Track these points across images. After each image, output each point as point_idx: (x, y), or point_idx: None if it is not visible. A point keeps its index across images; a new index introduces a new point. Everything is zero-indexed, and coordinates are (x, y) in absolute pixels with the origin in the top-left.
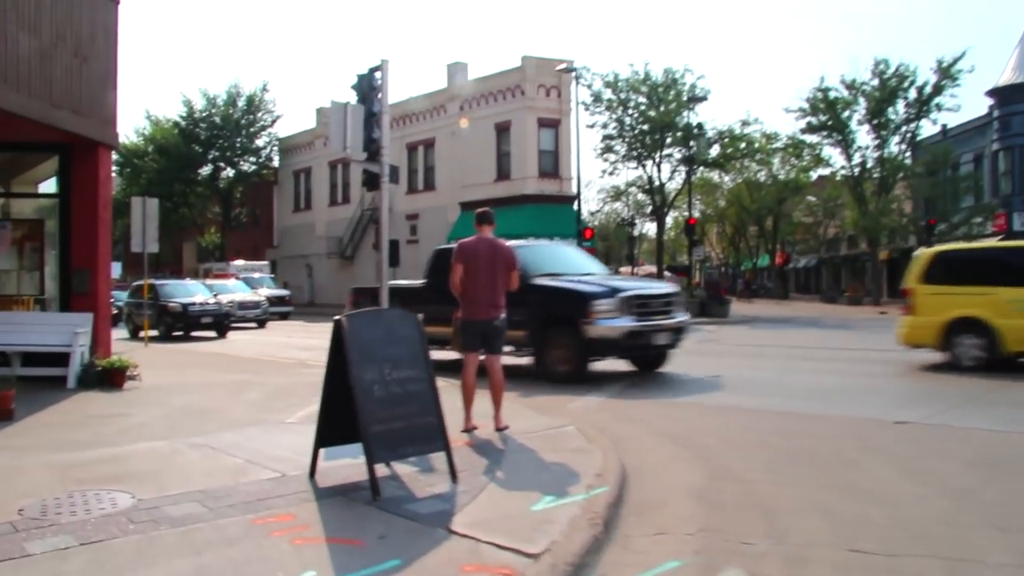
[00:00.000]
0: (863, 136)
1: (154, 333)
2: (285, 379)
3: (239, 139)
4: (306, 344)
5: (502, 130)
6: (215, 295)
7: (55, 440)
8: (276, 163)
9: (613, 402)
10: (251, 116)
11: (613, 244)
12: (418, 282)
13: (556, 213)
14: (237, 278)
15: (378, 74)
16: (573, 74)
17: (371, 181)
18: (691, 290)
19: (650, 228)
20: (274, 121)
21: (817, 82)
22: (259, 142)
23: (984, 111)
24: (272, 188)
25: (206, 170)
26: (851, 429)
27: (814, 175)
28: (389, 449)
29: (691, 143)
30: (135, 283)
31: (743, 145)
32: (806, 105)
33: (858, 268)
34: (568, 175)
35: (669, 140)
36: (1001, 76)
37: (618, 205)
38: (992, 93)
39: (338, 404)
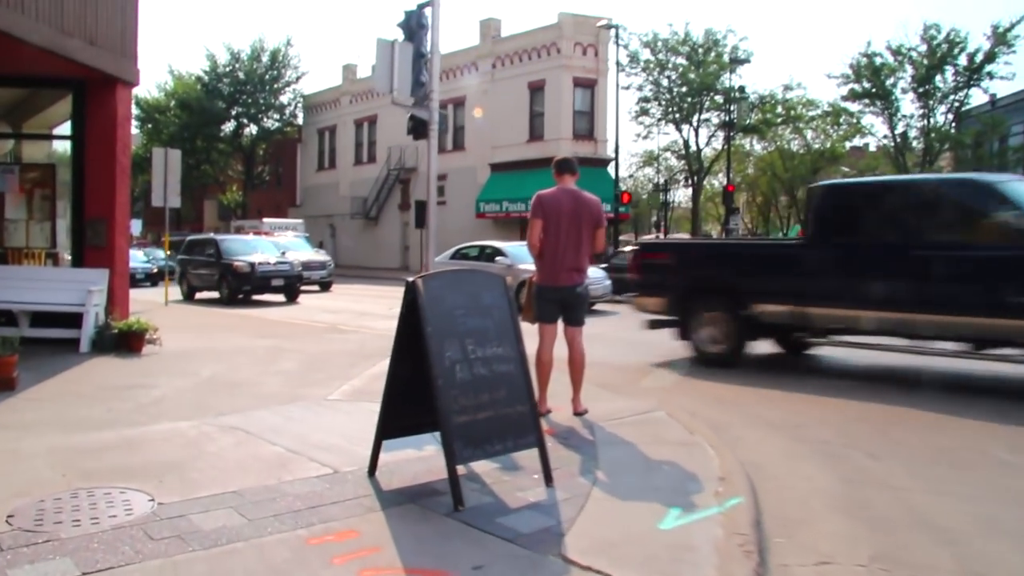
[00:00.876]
0: (907, 105)
1: (213, 295)
2: (318, 346)
3: (263, 95)
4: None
5: (535, 89)
6: (283, 253)
7: (61, 417)
8: (300, 121)
9: (689, 380)
10: (275, 72)
11: (643, 210)
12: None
13: (591, 176)
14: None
15: (428, 11)
16: (612, 32)
17: (418, 129)
18: None
19: (678, 195)
20: (299, 78)
21: (863, 47)
22: (283, 99)
23: None
24: (296, 146)
25: (229, 127)
26: (982, 424)
27: (850, 144)
28: (474, 445)
29: (731, 107)
30: (192, 237)
31: (782, 111)
32: (849, 71)
33: None
34: (603, 137)
35: (708, 104)
36: None
37: (648, 170)
38: None
39: (406, 386)
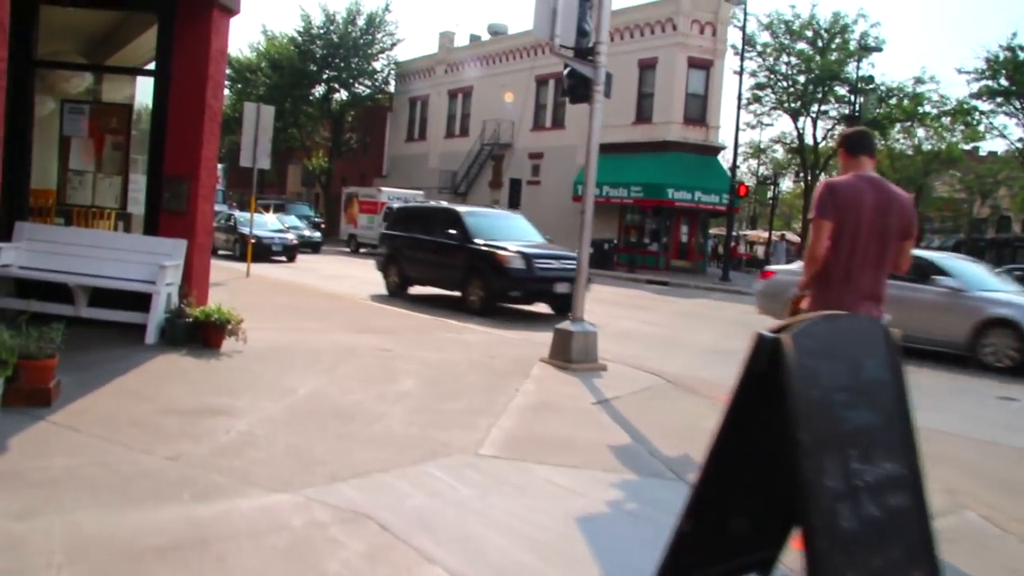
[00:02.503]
0: None
1: (430, 291)
2: (434, 352)
3: (355, 60)
4: None
5: (646, 68)
6: (550, 241)
7: (104, 468)
8: (392, 88)
9: None
10: (370, 37)
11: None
12: None
13: (701, 164)
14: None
15: None
16: (739, 8)
17: (577, 89)
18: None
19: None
20: (394, 44)
21: (1005, 39)
22: (376, 65)
23: None
24: (385, 114)
25: (319, 91)
26: None
27: (968, 146)
28: None
29: (856, 99)
30: (407, 205)
31: (908, 106)
32: (984, 66)
33: (1007, 253)
34: (715, 123)
35: (828, 94)
36: None
37: (751, 163)
38: None
39: (730, 492)
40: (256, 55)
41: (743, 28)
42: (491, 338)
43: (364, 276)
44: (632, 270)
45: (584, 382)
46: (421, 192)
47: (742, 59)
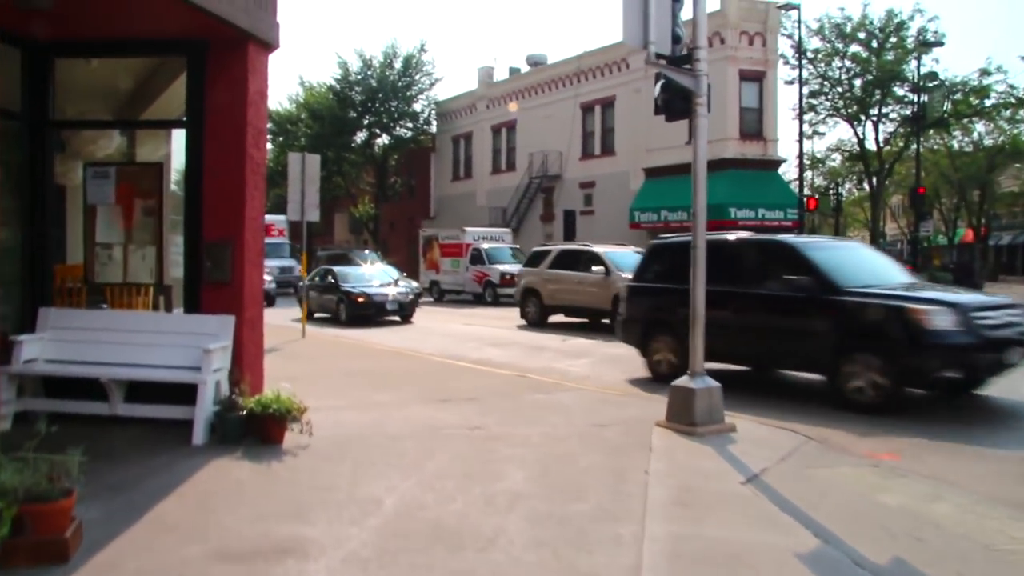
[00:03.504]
0: None
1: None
2: (531, 425)
3: (395, 103)
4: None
5: None
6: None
7: None
8: (434, 128)
9: None
10: (408, 78)
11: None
12: None
13: (761, 180)
14: (480, 251)
15: None
16: (791, 14)
17: (672, 104)
18: (932, 271)
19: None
20: (433, 84)
21: None
22: (416, 106)
23: None
24: (429, 155)
25: (360, 137)
26: None
27: None
28: None
29: (919, 97)
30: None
31: (976, 100)
32: None
33: None
34: (773, 136)
35: (888, 96)
36: None
37: (808, 174)
38: None
39: None
40: (296, 107)
41: (798, 35)
42: (588, 397)
43: (517, 339)
44: None
45: (719, 451)
46: (507, 230)
47: (800, 66)
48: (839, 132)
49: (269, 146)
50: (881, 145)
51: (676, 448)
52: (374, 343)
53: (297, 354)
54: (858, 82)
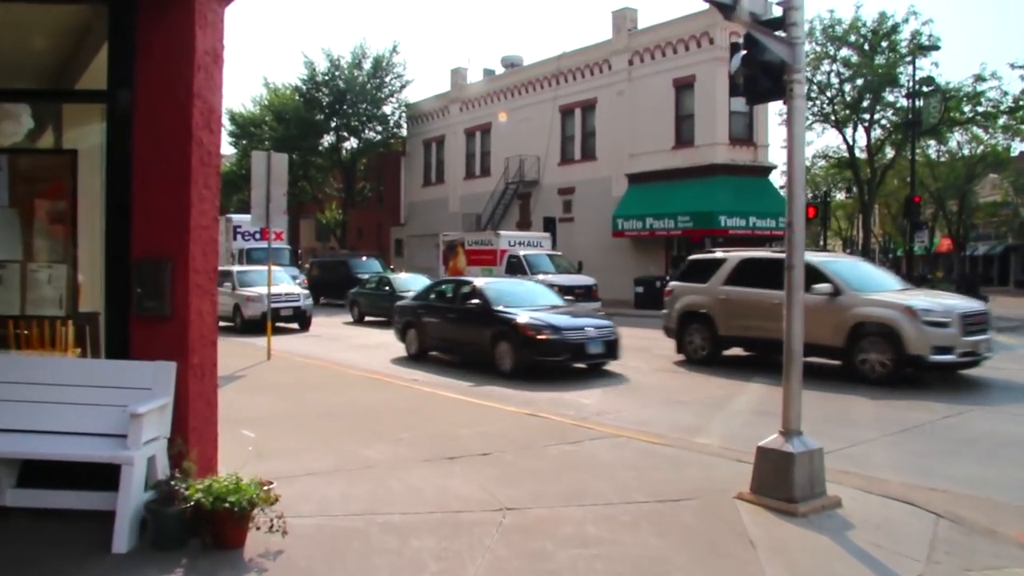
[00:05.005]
0: None
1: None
2: (576, 499)
3: (364, 105)
4: None
5: (683, 87)
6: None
7: None
8: (404, 132)
9: None
10: (378, 80)
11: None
12: None
13: (752, 187)
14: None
15: None
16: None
17: (759, 82)
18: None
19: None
20: (403, 86)
21: None
22: (386, 109)
23: None
24: (399, 160)
25: (328, 140)
26: None
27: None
28: None
29: (914, 103)
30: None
31: (969, 107)
32: None
33: None
34: (764, 142)
35: (870, 100)
36: None
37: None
38: None
39: None
40: (260, 109)
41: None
42: (625, 448)
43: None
44: None
45: (843, 545)
46: (546, 235)
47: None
48: (826, 139)
49: (231, 150)
50: (873, 152)
51: (786, 542)
52: (346, 366)
53: (261, 384)
54: (848, 87)
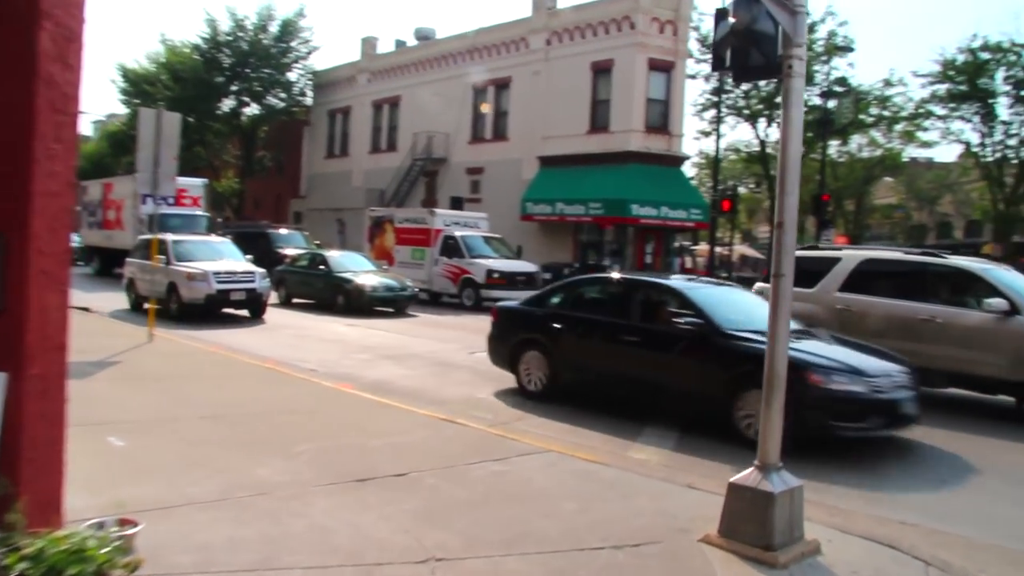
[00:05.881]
0: (1005, 110)
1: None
2: (524, 551)
3: (268, 70)
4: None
5: (601, 71)
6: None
7: None
8: (309, 101)
9: None
10: (284, 44)
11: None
12: None
13: (665, 176)
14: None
15: None
16: (702, 4)
17: (751, 56)
18: None
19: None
20: (310, 52)
21: (965, 41)
22: (291, 75)
23: None
24: (302, 129)
25: (228, 104)
26: None
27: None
28: None
29: (828, 102)
30: None
31: (877, 110)
32: (940, 69)
33: None
34: (678, 131)
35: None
36: None
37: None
38: None
39: None
40: (156, 66)
41: (697, 27)
42: (561, 466)
43: (413, 347)
44: None
45: None
46: (483, 215)
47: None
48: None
49: (123, 109)
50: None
51: None
52: (239, 352)
53: (138, 373)
54: (764, 82)
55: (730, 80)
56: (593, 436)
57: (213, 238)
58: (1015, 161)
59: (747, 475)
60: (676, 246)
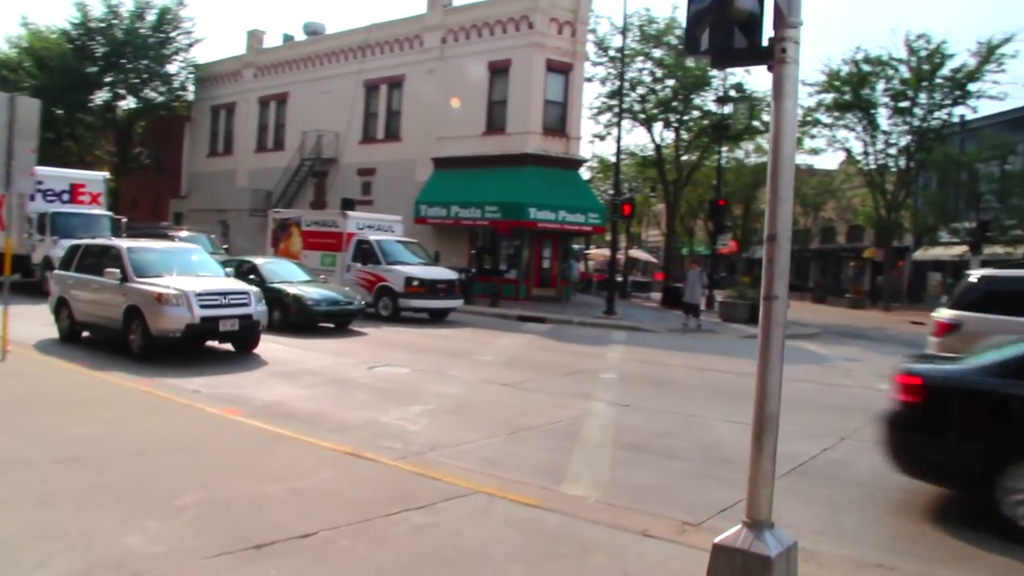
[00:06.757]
0: (884, 120)
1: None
2: None
3: (146, 61)
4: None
5: (498, 71)
6: None
7: None
8: (191, 95)
9: None
10: (163, 34)
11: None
12: None
13: (563, 180)
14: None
15: None
16: (599, 7)
17: (730, 37)
18: (741, 288)
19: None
20: (191, 44)
21: (849, 53)
22: (171, 68)
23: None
24: (183, 125)
25: (101, 96)
26: None
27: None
28: None
29: (725, 108)
30: None
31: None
32: (826, 79)
33: (830, 264)
34: (576, 134)
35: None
36: None
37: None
38: None
39: None
40: (18, 52)
41: (593, 31)
42: (497, 521)
43: (308, 362)
44: (495, 303)
45: None
46: (398, 218)
47: (623, 61)
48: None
49: None
50: (681, 153)
51: None
52: (113, 372)
53: None
54: (659, 87)
55: (628, 83)
56: (516, 468)
57: (180, 244)
58: (894, 169)
59: (735, 534)
60: (579, 250)
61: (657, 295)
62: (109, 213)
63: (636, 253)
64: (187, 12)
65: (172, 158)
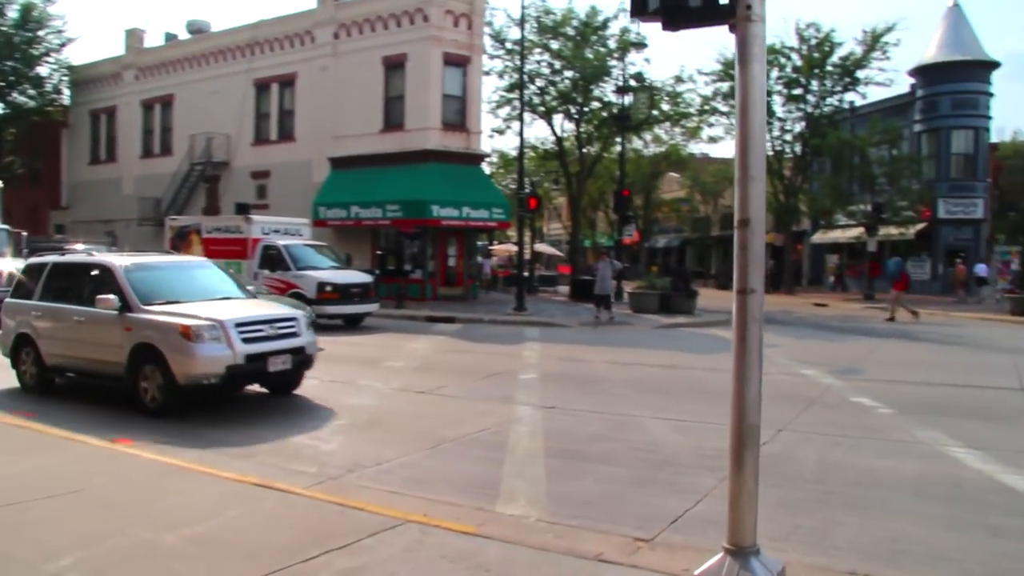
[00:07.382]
0: (779, 107)
1: None
2: None
3: (12, 63)
4: None
5: (393, 66)
6: None
7: None
8: (67, 99)
9: None
10: (30, 33)
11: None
12: None
13: (465, 176)
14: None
15: None
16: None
17: None
18: (651, 279)
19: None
20: (64, 44)
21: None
22: (42, 70)
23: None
24: (60, 132)
25: None
26: None
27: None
28: None
29: (624, 98)
30: None
31: (668, 107)
32: (719, 67)
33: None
34: (476, 128)
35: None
36: (925, 53)
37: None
38: (915, 72)
39: None
40: None
41: (490, 23)
42: (435, 558)
43: None
44: (401, 305)
45: None
46: (306, 221)
47: (523, 57)
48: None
49: None
50: (582, 145)
51: None
52: None
53: None
54: (558, 78)
55: (526, 76)
56: (445, 486)
57: (187, 258)
58: (790, 155)
59: (716, 565)
60: (485, 247)
61: (564, 288)
62: (6, 227)
63: (540, 247)
64: (56, 10)
65: (50, 167)
